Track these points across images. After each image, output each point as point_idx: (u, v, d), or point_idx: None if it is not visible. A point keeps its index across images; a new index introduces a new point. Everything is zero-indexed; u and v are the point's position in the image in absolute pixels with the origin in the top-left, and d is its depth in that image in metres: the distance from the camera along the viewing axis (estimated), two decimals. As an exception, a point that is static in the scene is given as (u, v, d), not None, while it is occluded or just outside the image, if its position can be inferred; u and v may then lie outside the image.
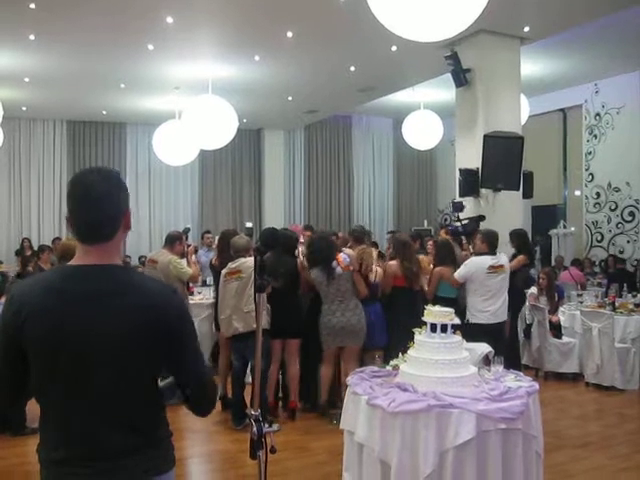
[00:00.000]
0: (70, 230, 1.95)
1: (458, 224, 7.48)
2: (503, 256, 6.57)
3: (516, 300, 7.59)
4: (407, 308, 6.07)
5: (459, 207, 7.61)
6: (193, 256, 7.28)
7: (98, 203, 1.87)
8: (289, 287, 6.16)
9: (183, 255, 7.05)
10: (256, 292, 2.34)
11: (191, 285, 8.04)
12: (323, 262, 6.10)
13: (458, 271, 6.46)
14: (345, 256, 6.17)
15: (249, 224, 10.48)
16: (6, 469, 5.03)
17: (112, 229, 1.90)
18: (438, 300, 6.22)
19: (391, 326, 6.28)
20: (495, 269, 6.34)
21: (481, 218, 7.39)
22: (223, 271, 6.17)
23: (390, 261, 6.57)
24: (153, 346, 1.86)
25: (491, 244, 6.45)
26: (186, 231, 7.62)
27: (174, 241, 6.90)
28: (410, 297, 6.38)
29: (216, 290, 6.74)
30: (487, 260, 6.35)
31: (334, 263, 6.09)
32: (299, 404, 6.46)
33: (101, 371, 1.82)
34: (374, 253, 6.85)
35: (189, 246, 7.24)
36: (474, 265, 6.39)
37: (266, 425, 2.24)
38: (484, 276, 6.31)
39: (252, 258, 5.96)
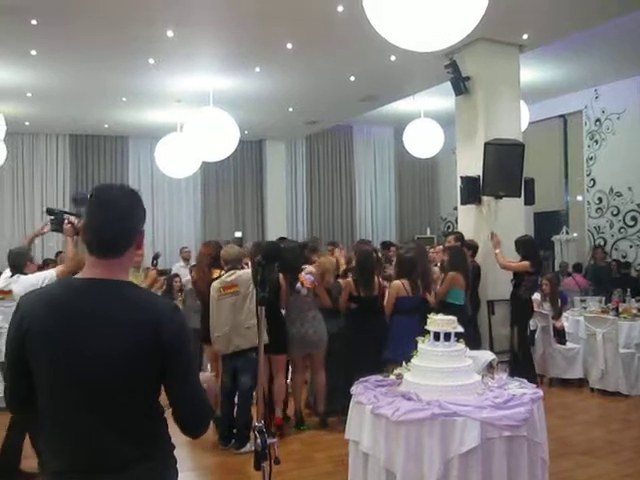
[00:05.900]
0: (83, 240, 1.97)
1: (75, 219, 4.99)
2: None
3: (520, 309, 7.44)
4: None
5: (79, 200, 5.95)
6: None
7: (118, 218, 1.91)
8: (272, 302, 5.80)
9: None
10: (258, 305, 2.33)
11: None
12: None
13: None
14: (309, 276, 6.24)
15: (238, 234, 10.32)
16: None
17: (126, 246, 1.93)
18: (446, 306, 6.19)
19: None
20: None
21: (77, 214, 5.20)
22: (216, 284, 5.78)
23: (395, 281, 6.20)
24: (151, 362, 1.86)
25: None
26: (156, 256, 7.48)
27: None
28: (424, 306, 6.20)
29: (204, 306, 6.15)
30: None
31: (298, 285, 6.19)
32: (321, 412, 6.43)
33: (100, 385, 1.83)
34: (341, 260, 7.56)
35: (157, 270, 7.15)
36: None
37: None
38: None
39: (247, 270, 5.83)
